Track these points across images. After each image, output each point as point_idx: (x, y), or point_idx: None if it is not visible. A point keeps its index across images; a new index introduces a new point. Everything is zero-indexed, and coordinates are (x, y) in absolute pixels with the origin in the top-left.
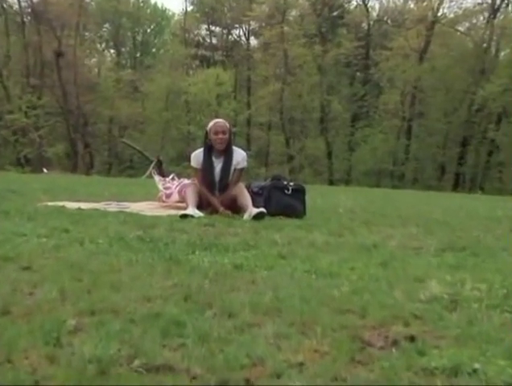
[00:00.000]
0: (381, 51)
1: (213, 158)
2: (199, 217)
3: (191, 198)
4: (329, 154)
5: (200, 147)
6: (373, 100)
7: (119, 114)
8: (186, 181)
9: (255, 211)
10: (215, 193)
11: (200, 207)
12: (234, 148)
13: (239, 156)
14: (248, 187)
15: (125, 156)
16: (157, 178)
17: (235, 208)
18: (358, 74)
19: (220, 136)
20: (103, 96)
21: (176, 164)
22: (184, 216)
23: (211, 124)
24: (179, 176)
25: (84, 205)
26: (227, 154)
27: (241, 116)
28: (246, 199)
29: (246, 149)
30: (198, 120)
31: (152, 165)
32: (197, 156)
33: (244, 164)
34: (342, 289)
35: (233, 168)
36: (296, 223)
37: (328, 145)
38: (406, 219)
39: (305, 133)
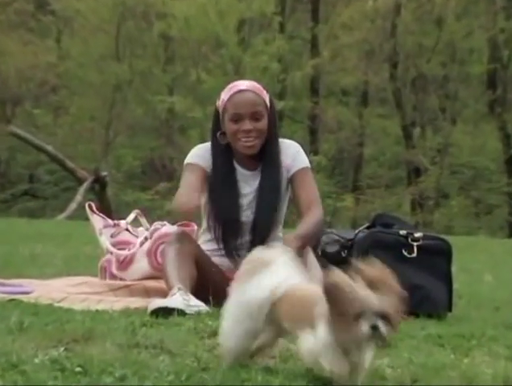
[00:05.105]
0: None
1: (236, 167)
2: (198, 314)
3: (176, 268)
4: (510, 164)
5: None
6: None
7: (3, 67)
8: (166, 228)
9: None
10: (241, 255)
11: (200, 290)
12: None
13: (286, 152)
14: (316, 244)
15: (18, 168)
16: (97, 220)
17: None
18: None
19: (247, 126)
20: None
21: (142, 187)
22: (162, 312)
23: (224, 94)
24: (150, 216)
25: None
26: (268, 161)
27: (296, 73)
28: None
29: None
30: (192, 82)
31: (84, 187)
32: (201, 151)
33: (302, 163)
34: None
35: (284, 192)
36: (430, 328)
37: (509, 141)
38: None
39: (451, 113)
